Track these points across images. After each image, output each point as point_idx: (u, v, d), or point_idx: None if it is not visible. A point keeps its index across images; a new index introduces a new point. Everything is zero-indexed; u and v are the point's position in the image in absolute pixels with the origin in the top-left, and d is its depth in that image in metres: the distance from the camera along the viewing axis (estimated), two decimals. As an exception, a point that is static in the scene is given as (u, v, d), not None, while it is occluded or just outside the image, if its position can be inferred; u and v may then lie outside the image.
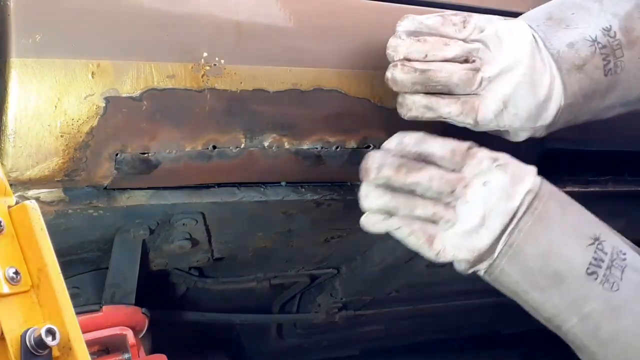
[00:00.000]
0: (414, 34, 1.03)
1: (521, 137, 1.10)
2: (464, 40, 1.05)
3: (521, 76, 1.04)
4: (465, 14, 1.07)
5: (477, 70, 1.04)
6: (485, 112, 1.05)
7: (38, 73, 0.92)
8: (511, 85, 1.04)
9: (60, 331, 0.71)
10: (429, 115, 1.05)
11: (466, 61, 1.04)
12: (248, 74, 1.03)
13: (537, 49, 1.05)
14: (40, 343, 0.69)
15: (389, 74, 1.02)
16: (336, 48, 1.10)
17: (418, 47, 1.02)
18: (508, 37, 1.05)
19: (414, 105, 1.04)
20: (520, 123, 1.06)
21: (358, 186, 1.28)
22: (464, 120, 1.06)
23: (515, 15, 1.19)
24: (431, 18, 1.04)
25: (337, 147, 1.15)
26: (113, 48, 0.96)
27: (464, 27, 1.05)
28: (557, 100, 1.06)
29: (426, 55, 1.02)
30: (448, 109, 1.04)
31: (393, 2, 1.16)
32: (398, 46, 1.02)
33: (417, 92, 1.03)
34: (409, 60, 1.02)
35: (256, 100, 1.05)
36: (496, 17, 1.09)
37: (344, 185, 1.28)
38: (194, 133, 1.04)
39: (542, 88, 1.05)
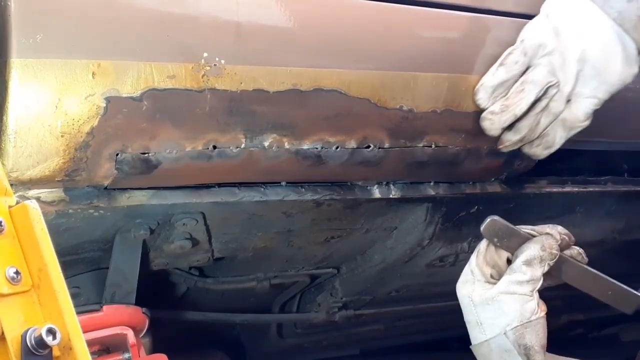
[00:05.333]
0: (494, 93, 1.16)
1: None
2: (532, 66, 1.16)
3: (593, 69, 1.13)
4: (518, 40, 1.16)
5: (555, 92, 1.16)
6: (578, 116, 1.18)
7: (39, 73, 0.92)
8: (590, 83, 1.15)
9: (61, 331, 0.71)
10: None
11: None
12: (248, 74, 1.03)
13: (598, 25, 1.12)
14: (40, 343, 0.69)
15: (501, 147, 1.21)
16: (336, 48, 1.10)
17: (507, 116, 1.15)
18: (566, 33, 1.13)
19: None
20: (614, 92, 1.17)
21: (358, 186, 1.29)
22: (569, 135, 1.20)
23: (515, 15, 1.20)
24: (497, 75, 1.15)
25: (337, 147, 1.16)
26: (114, 48, 0.96)
27: (525, 56, 1.15)
28: (634, 55, 1.14)
29: (515, 115, 1.15)
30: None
31: (393, 2, 1.16)
32: (493, 124, 1.17)
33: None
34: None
35: (256, 100, 1.05)
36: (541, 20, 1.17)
37: (344, 185, 1.28)
38: (194, 133, 1.04)
39: (615, 61, 1.14)
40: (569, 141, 1.38)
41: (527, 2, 1.23)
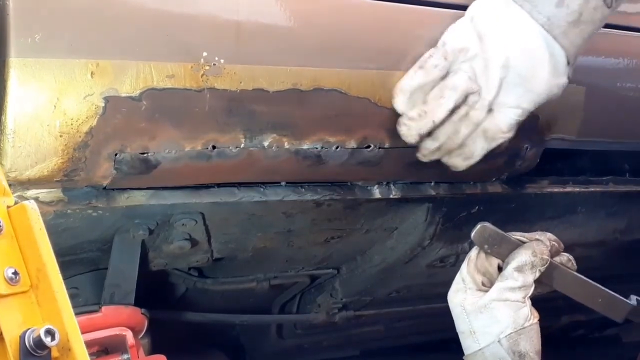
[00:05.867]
0: (412, 97, 1.11)
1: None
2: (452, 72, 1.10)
3: (518, 77, 1.07)
4: (439, 43, 1.10)
5: (476, 100, 1.10)
6: (500, 127, 1.12)
7: (37, 73, 0.92)
8: (514, 91, 1.09)
9: (60, 332, 0.70)
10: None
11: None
12: (248, 73, 1.03)
13: (525, 30, 1.07)
14: (39, 343, 0.69)
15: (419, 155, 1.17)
16: (336, 47, 1.10)
17: (425, 123, 1.10)
18: (490, 38, 1.08)
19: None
20: (540, 102, 1.12)
21: (358, 186, 1.28)
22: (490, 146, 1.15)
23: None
24: (415, 78, 1.10)
25: (337, 147, 1.15)
26: (112, 48, 0.96)
27: (446, 60, 1.09)
28: (562, 64, 1.09)
29: (433, 122, 1.10)
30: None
31: (393, 1, 1.16)
32: (410, 130, 1.11)
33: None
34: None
35: (256, 100, 1.05)
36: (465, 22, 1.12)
37: (344, 185, 1.28)
38: (194, 133, 1.04)
39: (542, 68, 1.08)
40: (569, 141, 1.38)
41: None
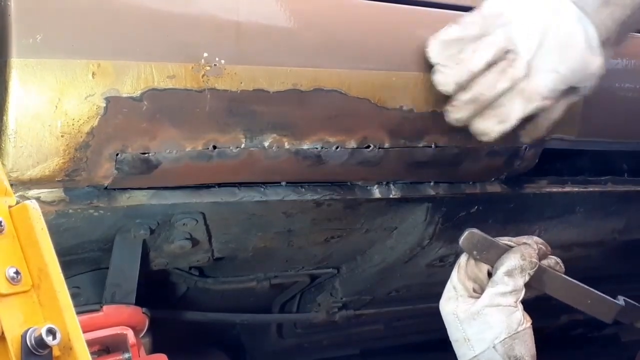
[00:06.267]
0: (447, 48, 1.08)
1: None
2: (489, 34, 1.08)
3: (555, 41, 1.08)
4: (475, 10, 1.10)
5: (514, 58, 1.08)
6: (538, 88, 1.09)
7: (39, 73, 0.92)
8: (552, 56, 1.08)
9: (61, 331, 0.71)
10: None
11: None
12: (248, 74, 1.03)
13: (559, 3, 1.08)
14: (40, 343, 0.69)
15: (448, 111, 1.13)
16: (336, 48, 1.10)
17: (461, 70, 1.07)
18: (527, 6, 1.08)
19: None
20: (577, 70, 1.10)
21: (358, 186, 1.28)
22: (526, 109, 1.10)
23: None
24: (451, 31, 1.08)
25: (337, 147, 1.15)
26: (113, 48, 0.96)
27: (483, 20, 1.08)
28: (595, 40, 1.09)
29: (470, 70, 1.07)
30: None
31: (394, 2, 1.16)
32: (446, 77, 1.08)
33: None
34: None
35: (256, 100, 1.05)
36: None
37: (344, 185, 1.28)
38: (194, 133, 1.04)
39: (577, 38, 1.08)
40: (568, 141, 1.38)
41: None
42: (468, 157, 1.29)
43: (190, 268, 1.47)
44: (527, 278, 1.10)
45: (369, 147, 1.18)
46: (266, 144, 1.10)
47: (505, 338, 1.07)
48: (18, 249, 0.74)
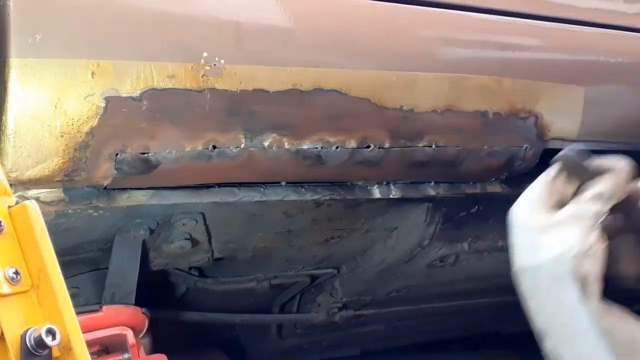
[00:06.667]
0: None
1: None
2: None
3: None
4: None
5: None
6: None
7: (38, 73, 0.92)
8: None
9: (60, 331, 0.70)
10: None
11: None
12: (248, 74, 1.03)
13: None
14: (40, 343, 0.69)
15: None
16: (336, 48, 1.10)
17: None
18: None
19: None
20: None
21: (358, 186, 1.28)
22: None
23: (516, 15, 1.20)
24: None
25: (337, 147, 1.15)
26: (113, 48, 0.96)
27: None
28: None
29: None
30: None
31: (393, 2, 1.16)
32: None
33: None
34: None
35: (256, 100, 1.05)
36: None
37: (344, 185, 1.28)
38: (194, 133, 1.04)
39: None
40: (569, 142, 1.38)
41: (529, 2, 1.23)
42: (468, 157, 1.29)
43: (190, 268, 1.47)
44: (614, 202, 1.05)
45: (369, 147, 1.17)
46: (266, 144, 1.10)
47: (577, 253, 1.03)
48: (17, 249, 0.74)
